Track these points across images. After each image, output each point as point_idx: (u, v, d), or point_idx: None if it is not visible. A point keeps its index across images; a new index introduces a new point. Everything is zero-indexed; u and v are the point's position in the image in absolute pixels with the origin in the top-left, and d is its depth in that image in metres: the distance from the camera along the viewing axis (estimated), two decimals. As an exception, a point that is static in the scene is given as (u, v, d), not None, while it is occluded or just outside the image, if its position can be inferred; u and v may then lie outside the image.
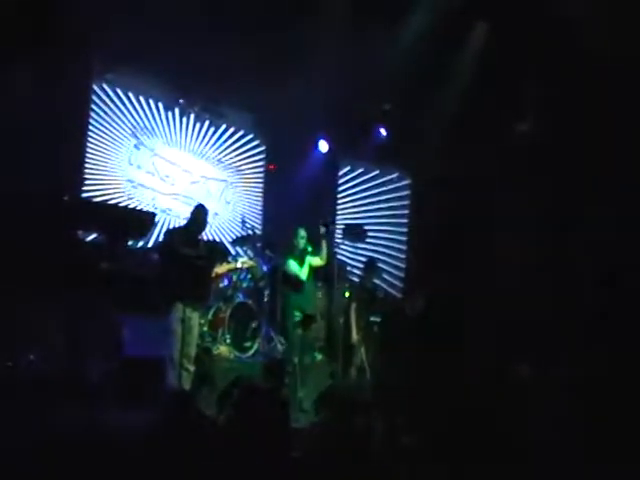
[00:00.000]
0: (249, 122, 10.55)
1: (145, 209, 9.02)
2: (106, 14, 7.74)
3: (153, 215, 8.07)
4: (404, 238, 11.89)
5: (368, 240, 11.47)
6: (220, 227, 10.15)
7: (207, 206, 6.87)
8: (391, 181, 11.90)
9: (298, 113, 9.63)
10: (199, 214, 6.68)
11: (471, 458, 4.16)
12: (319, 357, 8.92)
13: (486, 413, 4.89)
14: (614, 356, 7.24)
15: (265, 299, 8.73)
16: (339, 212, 11.43)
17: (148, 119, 9.38)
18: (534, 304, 8.81)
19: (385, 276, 11.21)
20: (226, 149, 10.33)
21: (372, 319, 8.50)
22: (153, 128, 9.44)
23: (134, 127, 9.21)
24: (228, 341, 8.11)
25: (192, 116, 9.81)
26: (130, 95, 9.16)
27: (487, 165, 9.95)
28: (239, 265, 8.32)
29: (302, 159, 10.72)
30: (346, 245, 11.03)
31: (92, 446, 3.54)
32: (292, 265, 7.61)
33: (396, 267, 11.76)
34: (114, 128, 8.99)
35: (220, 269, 7.82)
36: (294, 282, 7.59)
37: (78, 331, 6.60)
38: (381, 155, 11.35)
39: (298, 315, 7.53)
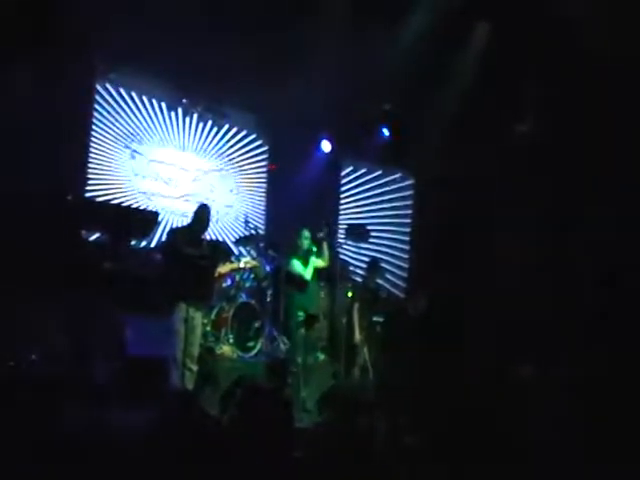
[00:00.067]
0: (252, 122, 10.54)
1: (148, 209, 9.01)
2: (107, 14, 7.74)
3: (156, 214, 8.04)
4: (407, 238, 11.90)
5: (371, 240, 11.48)
6: (223, 227, 10.17)
7: (209, 206, 6.87)
8: (394, 181, 11.91)
9: (301, 113, 9.64)
10: (202, 214, 6.65)
11: (473, 458, 4.18)
12: (322, 357, 8.94)
13: (487, 413, 4.91)
14: (614, 356, 7.26)
15: (268, 299, 8.71)
16: (342, 212, 11.44)
17: (151, 119, 9.38)
18: (534, 304, 8.83)
19: (388, 276, 11.21)
20: (229, 149, 10.32)
21: (375, 319, 8.51)
22: (156, 128, 9.44)
23: (137, 126, 9.22)
24: (231, 341, 8.11)
25: (195, 116, 9.82)
26: (133, 95, 9.16)
27: (488, 165, 9.97)
28: (242, 265, 8.38)
29: (305, 159, 10.71)
30: (349, 245, 11.04)
31: (95, 446, 3.56)
32: (296, 265, 7.63)
33: (399, 267, 11.77)
34: (116, 127, 8.99)
35: (223, 269, 7.87)
36: (298, 282, 7.61)
37: (81, 331, 6.59)
38: (384, 155, 11.36)
39: (301, 315, 7.56)
